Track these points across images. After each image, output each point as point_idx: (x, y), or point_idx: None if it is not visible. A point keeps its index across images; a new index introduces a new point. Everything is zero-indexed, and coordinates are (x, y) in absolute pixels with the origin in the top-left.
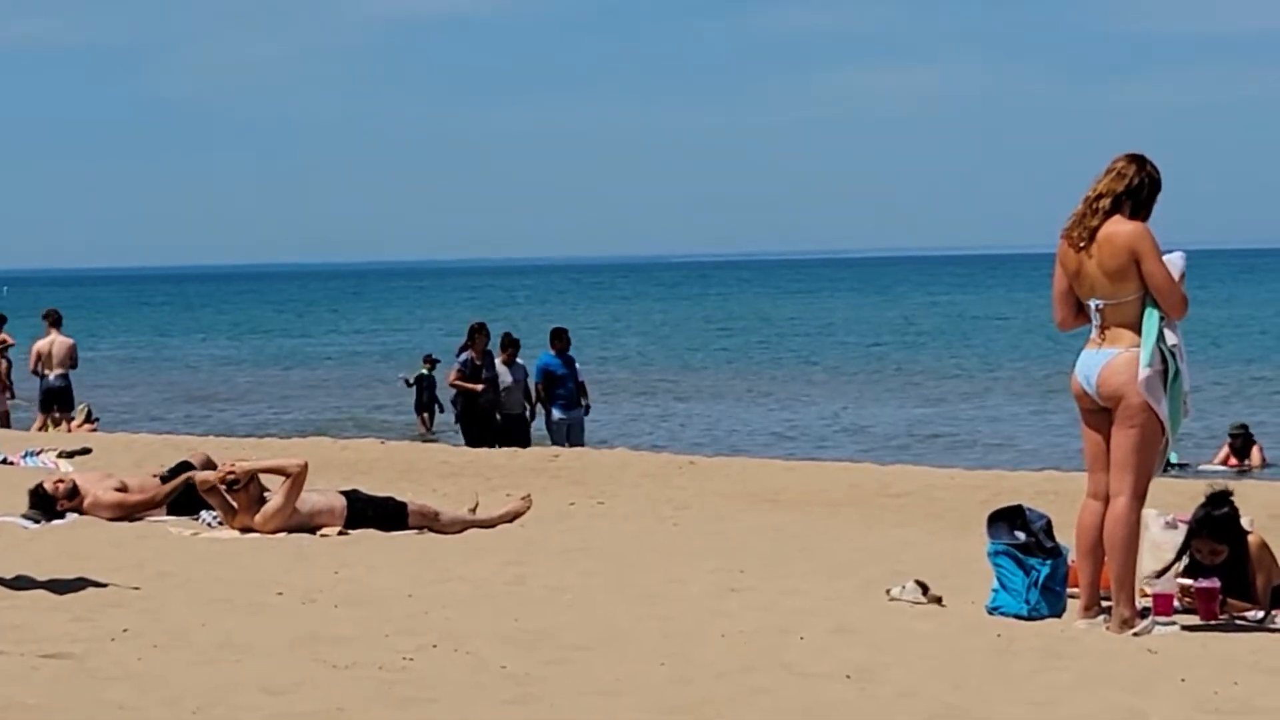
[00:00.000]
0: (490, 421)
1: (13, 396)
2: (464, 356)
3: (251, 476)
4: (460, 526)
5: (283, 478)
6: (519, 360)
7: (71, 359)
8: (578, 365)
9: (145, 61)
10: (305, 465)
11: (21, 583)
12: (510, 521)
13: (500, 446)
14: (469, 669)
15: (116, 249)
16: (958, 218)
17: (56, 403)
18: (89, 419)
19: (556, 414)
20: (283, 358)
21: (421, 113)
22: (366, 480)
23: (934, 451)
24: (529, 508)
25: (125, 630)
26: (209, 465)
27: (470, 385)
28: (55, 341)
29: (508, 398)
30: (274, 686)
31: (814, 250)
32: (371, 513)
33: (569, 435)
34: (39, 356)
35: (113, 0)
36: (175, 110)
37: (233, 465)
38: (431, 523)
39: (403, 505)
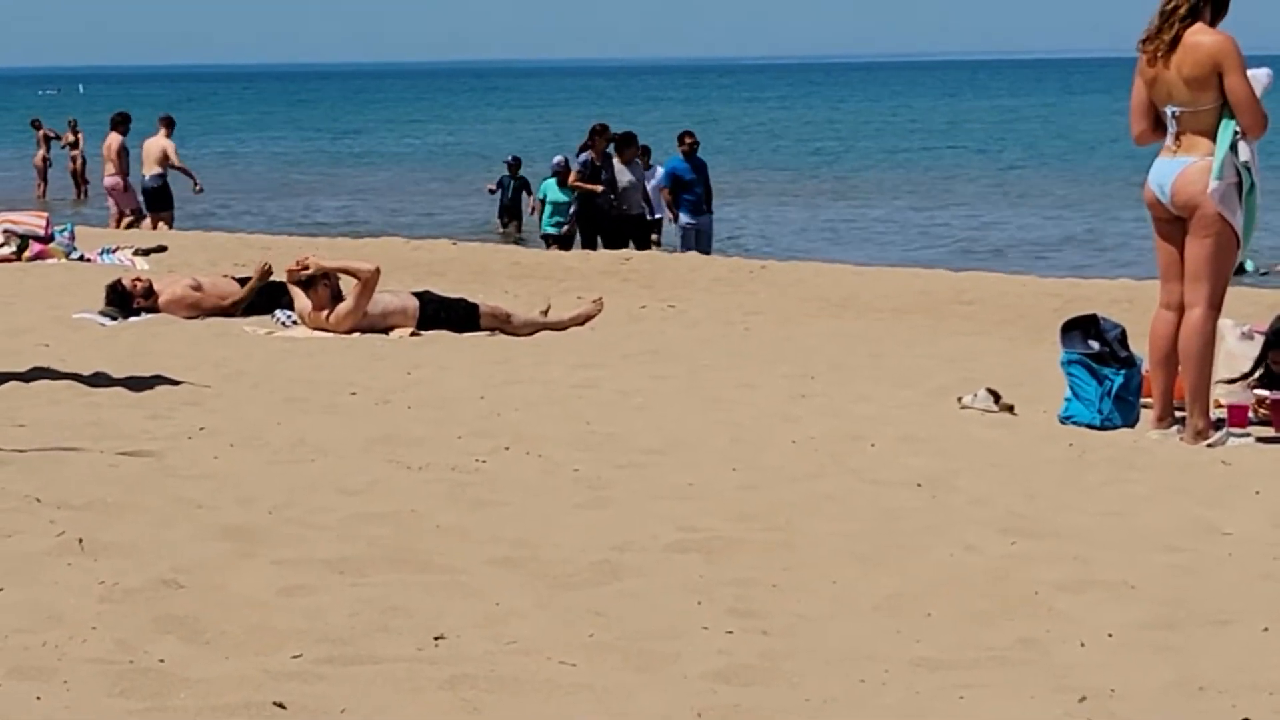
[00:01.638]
0: (608, 222)
1: (86, 196)
2: (584, 157)
3: (325, 274)
4: (532, 329)
5: (354, 279)
6: (638, 160)
7: (167, 159)
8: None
9: None
10: (377, 270)
11: (99, 380)
12: (581, 324)
13: (618, 248)
14: (540, 471)
15: (176, 46)
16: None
17: (154, 203)
18: (164, 218)
19: (684, 218)
20: (351, 156)
21: None
22: (439, 281)
23: (1007, 260)
24: (600, 310)
25: (202, 429)
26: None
27: (589, 186)
28: (159, 142)
29: (626, 198)
30: (348, 487)
31: (843, 53)
32: (444, 314)
33: (697, 241)
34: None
35: None
36: None
37: (307, 258)
38: (503, 324)
39: (475, 306)
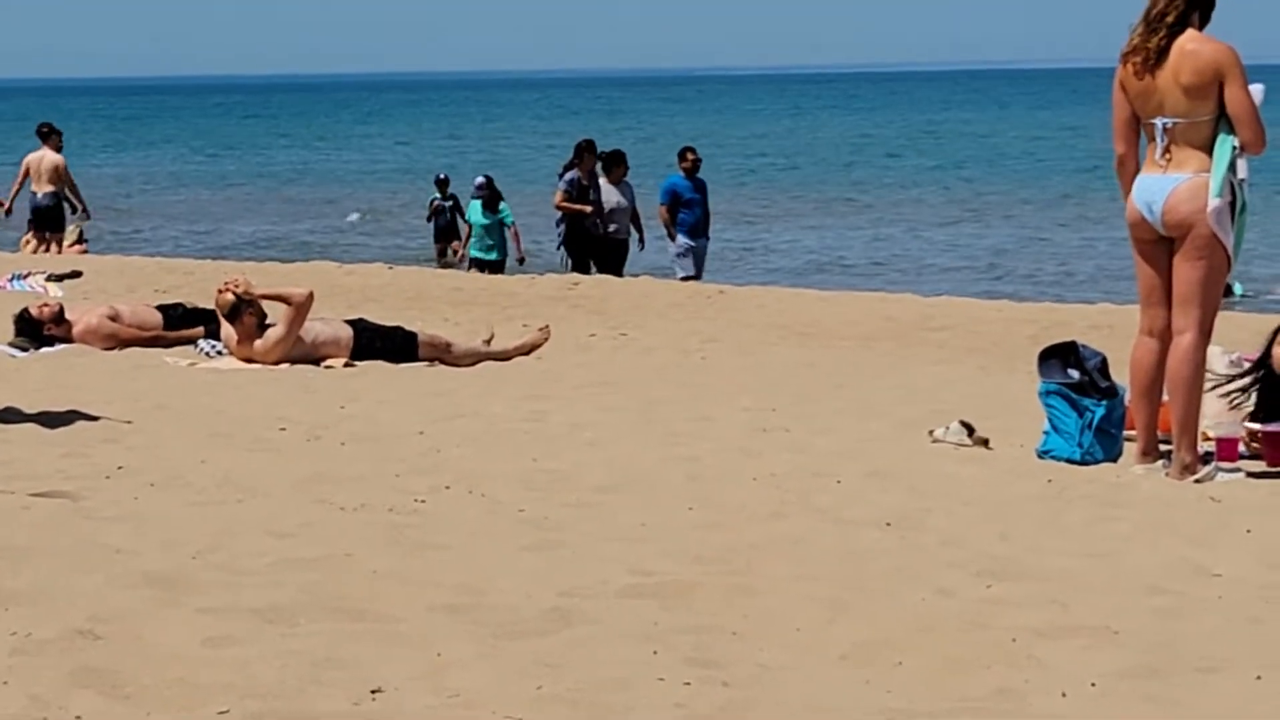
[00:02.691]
0: (597, 245)
1: (6, 213)
2: (570, 176)
3: (251, 300)
4: (474, 359)
5: (285, 306)
6: (627, 181)
7: (59, 176)
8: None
9: None
10: (310, 295)
11: (9, 415)
12: (527, 354)
13: (600, 272)
14: (484, 512)
15: (112, 59)
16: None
17: (45, 223)
18: (80, 240)
19: (681, 240)
20: (279, 173)
21: None
22: (373, 309)
23: (975, 281)
24: (547, 339)
25: (120, 467)
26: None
27: (578, 207)
28: (45, 157)
29: (613, 220)
30: (278, 529)
31: (832, 64)
32: (380, 343)
33: (694, 264)
34: (27, 171)
35: None
36: None
37: (236, 279)
38: (443, 354)
39: (413, 335)
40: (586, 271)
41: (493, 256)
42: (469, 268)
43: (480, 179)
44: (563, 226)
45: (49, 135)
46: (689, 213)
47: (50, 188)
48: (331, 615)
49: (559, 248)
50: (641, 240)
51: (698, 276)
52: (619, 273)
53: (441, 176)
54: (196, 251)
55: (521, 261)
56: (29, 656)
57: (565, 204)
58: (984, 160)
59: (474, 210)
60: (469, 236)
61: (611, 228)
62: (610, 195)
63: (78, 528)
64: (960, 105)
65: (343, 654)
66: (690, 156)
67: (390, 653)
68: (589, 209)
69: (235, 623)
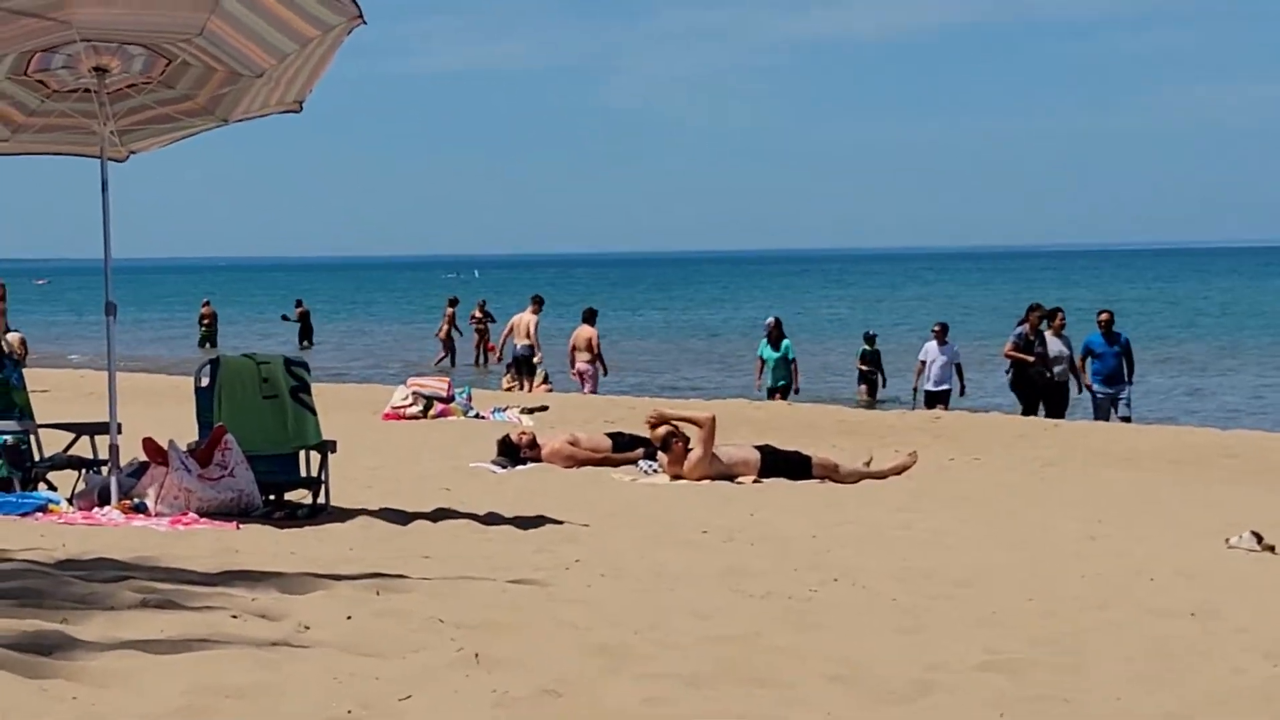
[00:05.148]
0: (1039, 388)
1: (498, 360)
2: (1019, 330)
3: (678, 433)
4: (856, 477)
5: (695, 428)
6: (1065, 333)
7: (531, 333)
8: (1131, 345)
9: (596, 78)
10: (713, 418)
11: (491, 519)
12: (899, 474)
13: (1058, 415)
14: (864, 600)
15: (564, 238)
16: None
17: (521, 368)
18: (545, 380)
19: (1096, 387)
20: (686, 329)
21: (802, 123)
22: (776, 435)
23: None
24: (915, 462)
25: (577, 560)
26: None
27: (1022, 356)
28: (525, 318)
29: (1055, 366)
30: (701, 611)
31: (1161, 240)
32: (781, 464)
33: (1111, 409)
34: (511, 328)
35: (568, 29)
36: (629, 122)
37: (656, 412)
38: (831, 473)
39: (808, 458)
40: (1034, 413)
41: (781, 384)
42: (770, 397)
43: (768, 319)
44: (1011, 373)
45: (535, 301)
46: (1101, 364)
47: (527, 341)
48: (743, 683)
49: (1011, 388)
50: (1078, 385)
51: (1126, 417)
52: (1058, 413)
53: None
54: (636, 391)
55: (797, 391)
56: (507, 709)
57: (1012, 353)
58: None
59: (762, 347)
60: (761, 369)
61: (1054, 373)
62: (1053, 345)
63: (544, 608)
64: None
65: (751, 713)
66: (1102, 317)
67: (789, 713)
68: (1031, 359)
69: (667, 687)
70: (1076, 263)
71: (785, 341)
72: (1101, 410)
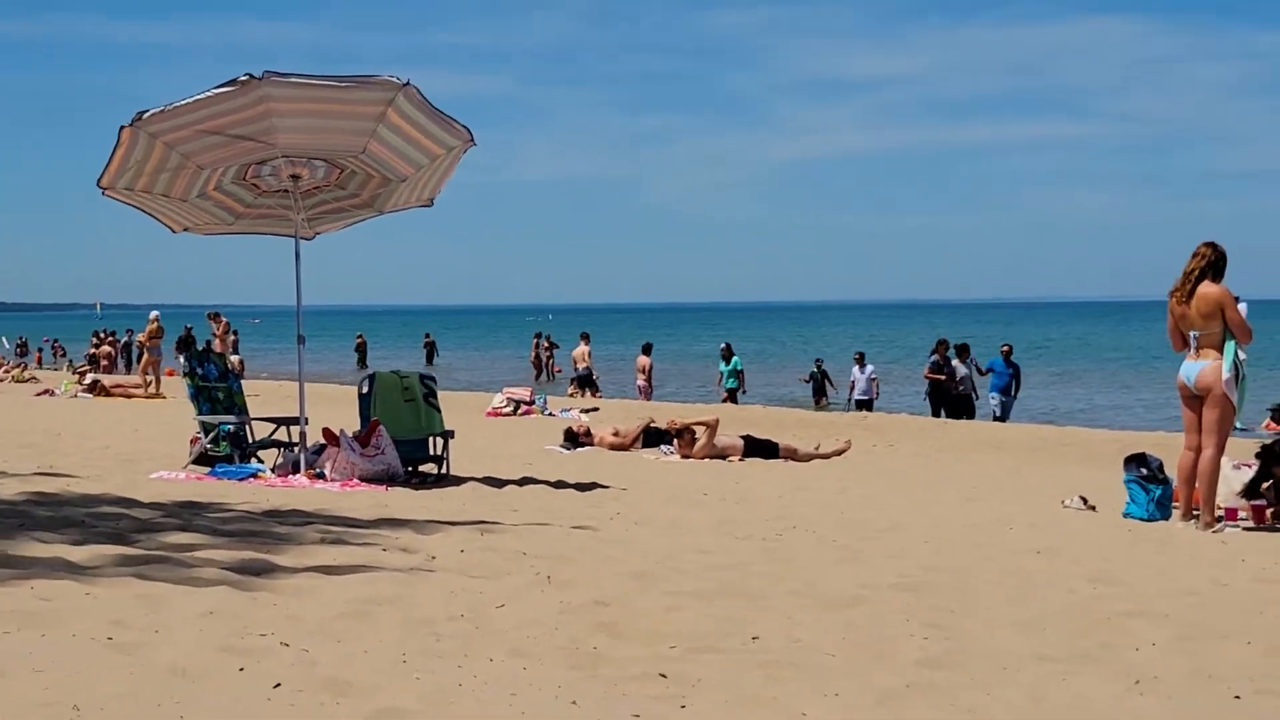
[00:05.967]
0: (950, 399)
1: (550, 377)
2: (932, 359)
3: (687, 428)
4: (808, 458)
5: (703, 427)
6: (970, 360)
7: (586, 360)
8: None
9: (635, 185)
10: (717, 420)
11: (560, 484)
12: (839, 456)
13: (960, 418)
14: (815, 541)
15: (610, 292)
16: None
17: (583, 383)
18: (597, 391)
19: (993, 396)
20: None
21: (809, 218)
22: (754, 428)
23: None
24: (850, 448)
25: (618, 514)
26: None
27: (938, 377)
28: (583, 349)
29: (960, 386)
30: (704, 549)
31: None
32: (758, 448)
33: (1002, 413)
34: (575, 359)
35: (616, 154)
36: (661, 214)
37: (674, 419)
38: (793, 455)
39: (776, 444)
40: (940, 416)
41: (731, 386)
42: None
43: (723, 344)
44: (928, 389)
45: (583, 337)
46: (1001, 378)
47: (584, 364)
48: (733, 597)
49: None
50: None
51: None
52: (972, 417)
53: (817, 360)
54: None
55: (744, 392)
56: (570, 615)
57: (930, 375)
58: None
59: (720, 364)
60: (720, 379)
61: (961, 389)
62: (959, 369)
63: (595, 546)
64: None
65: (737, 616)
66: (1004, 349)
67: (764, 616)
68: (943, 378)
69: (681, 600)
70: (970, 313)
71: (735, 358)
72: (998, 413)
